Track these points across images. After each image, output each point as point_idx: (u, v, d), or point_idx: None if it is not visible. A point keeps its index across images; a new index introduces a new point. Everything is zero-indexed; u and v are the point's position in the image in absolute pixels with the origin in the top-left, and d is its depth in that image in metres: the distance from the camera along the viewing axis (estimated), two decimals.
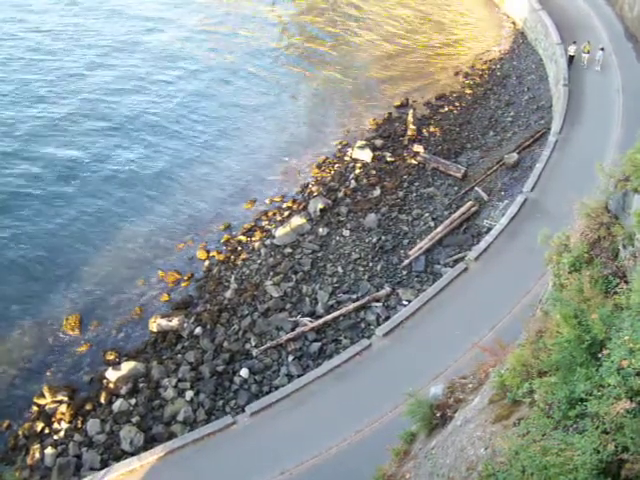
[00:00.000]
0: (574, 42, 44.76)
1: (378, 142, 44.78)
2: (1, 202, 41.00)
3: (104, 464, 26.09)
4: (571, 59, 44.45)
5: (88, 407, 29.24)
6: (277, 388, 27.80)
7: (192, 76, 54.72)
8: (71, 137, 47.01)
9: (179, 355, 31.23)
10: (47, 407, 29.42)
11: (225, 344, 31.34)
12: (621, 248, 11.67)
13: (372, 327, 30.19)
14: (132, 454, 25.79)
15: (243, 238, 38.23)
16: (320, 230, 37.32)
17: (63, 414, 28.83)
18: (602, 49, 43.81)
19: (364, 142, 44.55)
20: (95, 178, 43.32)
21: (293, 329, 31.29)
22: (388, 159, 43.01)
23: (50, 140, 46.59)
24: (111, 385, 29.94)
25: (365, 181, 41.05)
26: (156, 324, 32.65)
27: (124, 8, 65.77)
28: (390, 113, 48.58)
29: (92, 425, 28.14)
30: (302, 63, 57.25)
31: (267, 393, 27.79)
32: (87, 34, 60.43)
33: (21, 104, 50.35)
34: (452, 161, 41.91)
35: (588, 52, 44.05)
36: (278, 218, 39.26)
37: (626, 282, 10.94)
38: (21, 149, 45.49)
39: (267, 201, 41.32)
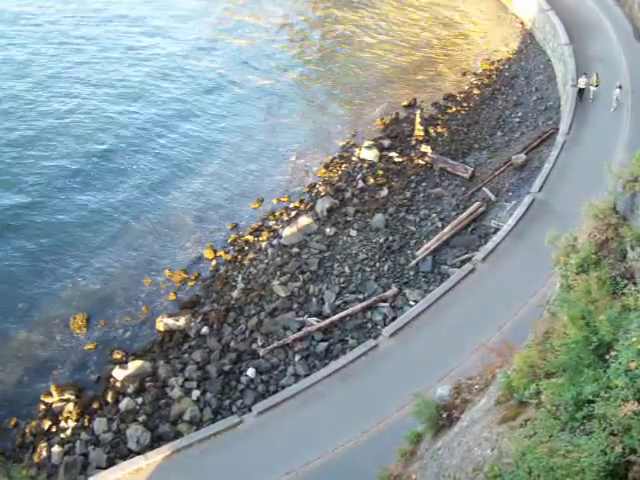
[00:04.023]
0: (584, 74, 40.96)
1: (385, 142, 44.72)
2: (8, 201, 41.19)
3: (110, 462, 26.20)
4: (581, 92, 40.65)
5: (95, 406, 29.36)
6: (284, 388, 27.85)
7: (197, 76, 54.74)
8: (78, 136, 47.18)
9: (186, 354, 31.30)
10: (54, 405, 29.55)
11: (232, 343, 31.39)
12: (629, 249, 11.63)
13: (379, 327, 30.18)
14: (138, 453, 25.87)
15: (250, 238, 38.27)
16: (327, 230, 37.32)
17: (70, 412, 28.95)
18: (620, 87, 38.86)
19: (371, 142, 44.50)
20: (102, 177, 43.46)
21: (300, 329, 31.31)
22: (395, 159, 42.95)
23: (58, 140, 46.76)
24: (118, 384, 30.03)
25: (372, 181, 41.01)
26: (163, 323, 32.73)
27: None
28: (397, 113, 48.48)
29: (99, 424, 28.25)
30: (309, 63, 57.25)
31: (274, 393, 27.85)
32: (82, 38, 60.32)
33: (28, 106, 50.59)
34: (460, 161, 41.81)
35: (597, 85, 39.94)
36: (285, 218, 39.28)
37: (634, 283, 10.90)
38: (29, 149, 45.65)
39: (274, 201, 41.33)
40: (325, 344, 30.33)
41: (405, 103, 49.66)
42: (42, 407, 29.70)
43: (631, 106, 39.13)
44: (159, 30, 61.40)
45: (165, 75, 54.55)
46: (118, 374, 30.31)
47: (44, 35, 60.05)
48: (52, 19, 63.01)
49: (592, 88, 40.40)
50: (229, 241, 38.38)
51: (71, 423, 28.64)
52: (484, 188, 38.80)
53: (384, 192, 39.91)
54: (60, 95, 51.49)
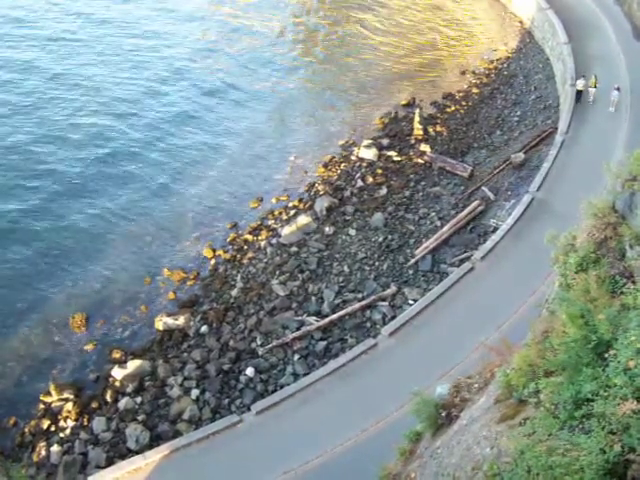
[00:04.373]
0: (583, 76, 40.60)
1: (384, 141, 44.75)
2: (7, 201, 41.15)
3: (110, 462, 26.18)
4: (579, 94, 40.36)
5: (94, 405, 29.35)
6: (283, 387, 27.84)
7: (197, 79, 54.60)
8: (78, 136, 47.15)
9: (185, 353, 31.29)
10: (53, 405, 29.53)
11: (231, 343, 31.38)
12: (628, 248, 11.63)
13: (378, 326, 30.17)
14: (137, 452, 25.85)
15: (249, 237, 38.27)
16: (326, 229, 37.31)
17: (69, 412, 28.93)
18: (618, 89, 38.68)
19: (370, 141, 44.51)
20: (101, 178, 43.42)
21: (299, 328, 31.31)
22: (394, 158, 42.96)
23: (58, 144, 46.66)
24: (117, 383, 30.02)
25: (371, 180, 41.01)
26: (162, 322, 32.71)
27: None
28: (397, 112, 48.50)
29: (98, 423, 28.24)
30: (308, 62, 57.26)
31: (273, 392, 27.83)
32: (81, 42, 59.90)
33: (31, 111, 50.44)
34: (459, 160, 41.83)
35: (595, 87, 39.79)
36: (284, 217, 39.28)
37: (633, 282, 10.90)
38: (29, 153, 45.42)
39: (273, 200, 41.34)
40: (324, 343, 30.33)
41: (404, 102, 49.69)
42: (41, 406, 29.67)
43: (630, 105, 39.11)
44: (160, 34, 61.11)
45: (165, 78, 54.28)
46: (117, 373, 30.29)
47: (44, 39, 59.67)
48: (52, 23, 62.66)
49: (591, 90, 40.22)
50: (228, 240, 38.37)
51: (70, 422, 28.63)
52: (483, 187, 38.80)
53: (383, 191, 39.92)
54: (60, 99, 51.22)
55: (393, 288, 32.49)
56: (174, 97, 51.93)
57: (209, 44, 59.25)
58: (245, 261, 36.48)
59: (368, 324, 30.99)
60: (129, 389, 29.58)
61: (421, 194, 39.54)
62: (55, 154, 45.09)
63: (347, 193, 40.20)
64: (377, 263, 34.56)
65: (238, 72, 55.04)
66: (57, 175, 43.22)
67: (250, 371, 29.56)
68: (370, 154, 43.10)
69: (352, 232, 36.95)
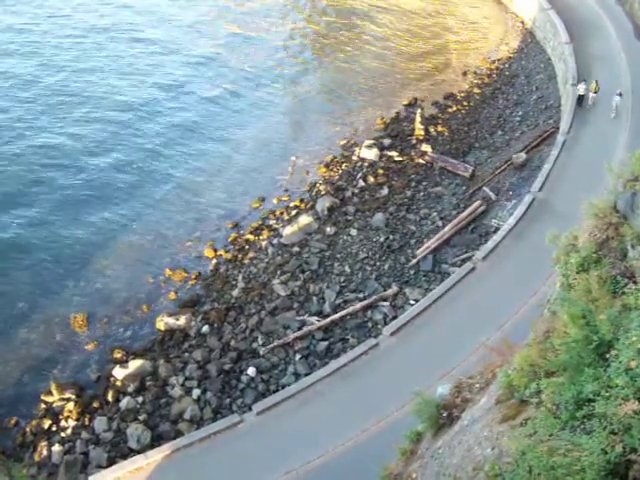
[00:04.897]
0: (584, 80, 40.45)
1: (386, 141, 44.72)
2: (10, 202, 41.16)
3: (111, 462, 26.20)
4: (580, 99, 39.99)
5: (95, 405, 29.37)
6: (284, 387, 27.85)
7: (200, 85, 54.50)
8: (79, 136, 47.15)
9: (186, 353, 31.30)
10: (54, 405, 29.55)
11: (232, 343, 31.39)
12: (629, 248, 11.61)
13: (379, 326, 30.18)
14: (139, 452, 25.86)
15: (250, 237, 38.27)
16: (327, 229, 37.31)
17: (70, 412, 28.95)
18: (620, 94, 38.18)
19: (372, 141, 44.50)
20: (102, 176, 43.41)
21: (300, 328, 31.31)
22: (396, 158, 42.95)
23: (60, 142, 46.69)
24: (118, 383, 30.04)
25: (373, 180, 41.00)
26: (163, 322, 32.73)
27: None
28: (398, 112, 48.49)
29: (99, 423, 28.26)
30: (310, 63, 57.23)
31: (274, 392, 27.86)
32: (83, 50, 59.55)
33: (33, 112, 50.45)
34: (460, 160, 41.82)
35: (596, 92, 39.40)
36: (285, 217, 39.27)
37: (634, 282, 10.88)
38: (30, 152, 45.41)
39: (275, 200, 41.33)
40: (325, 343, 30.34)
41: (405, 102, 49.67)
42: (42, 406, 29.69)
43: (631, 106, 39.05)
44: (164, 41, 60.37)
45: (169, 86, 53.76)
46: (118, 373, 30.31)
47: (46, 47, 59.17)
48: (54, 31, 62.23)
49: (591, 94, 39.87)
50: (230, 240, 38.37)
51: (71, 422, 28.66)
52: (484, 187, 38.78)
53: (384, 191, 39.92)
54: (62, 107, 50.77)
55: (394, 288, 32.49)
56: (177, 103, 51.69)
57: (212, 50, 58.93)
58: (246, 261, 36.49)
59: (369, 324, 31.00)
60: (130, 389, 29.61)
61: (422, 194, 39.54)
62: (57, 161, 44.91)
63: (348, 193, 40.20)
64: (378, 263, 34.56)
65: (241, 76, 54.82)
66: (59, 181, 43.04)
67: (251, 371, 29.58)
68: (371, 154, 43.09)
69: (353, 232, 36.95)
